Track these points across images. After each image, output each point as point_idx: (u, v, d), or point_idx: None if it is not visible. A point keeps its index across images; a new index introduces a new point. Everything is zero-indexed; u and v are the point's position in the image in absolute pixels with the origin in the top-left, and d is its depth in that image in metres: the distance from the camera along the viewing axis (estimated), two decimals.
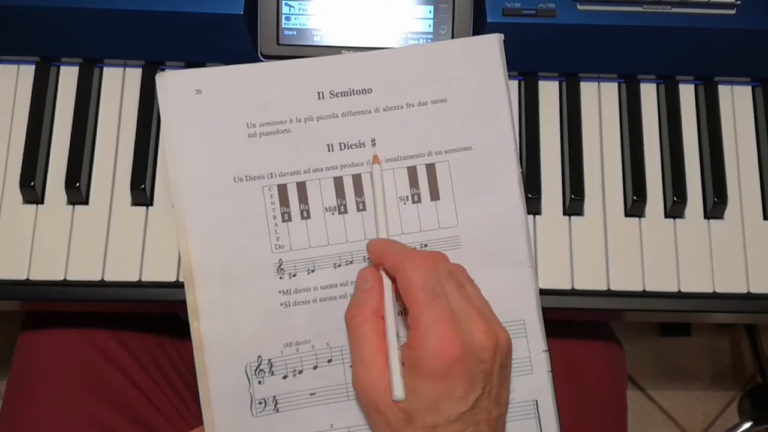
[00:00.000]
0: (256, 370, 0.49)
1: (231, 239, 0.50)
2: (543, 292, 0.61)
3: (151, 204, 0.62)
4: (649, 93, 0.66)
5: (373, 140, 0.51)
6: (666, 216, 0.63)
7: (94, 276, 0.60)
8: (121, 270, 0.60)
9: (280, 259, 0.50)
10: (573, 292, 0.61)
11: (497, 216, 0.51)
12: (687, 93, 0.66)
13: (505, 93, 0.51)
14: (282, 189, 0.50)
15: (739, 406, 1.31)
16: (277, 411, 0.49)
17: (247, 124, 0.50)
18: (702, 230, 0.63)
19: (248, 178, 0.50)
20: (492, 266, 0.50)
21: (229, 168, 0.50)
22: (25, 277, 0.60)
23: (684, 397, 1.33)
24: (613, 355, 0.74)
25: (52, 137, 0.63)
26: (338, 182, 0.51)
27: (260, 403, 0.49)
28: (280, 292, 0.50)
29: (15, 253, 0.60)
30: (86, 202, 0.62)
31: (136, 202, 0.62)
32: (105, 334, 0.69)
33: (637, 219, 0.63)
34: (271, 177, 0.50)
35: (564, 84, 0.66)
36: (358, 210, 0.51)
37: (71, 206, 0.62)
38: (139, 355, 0.70)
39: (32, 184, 0.61)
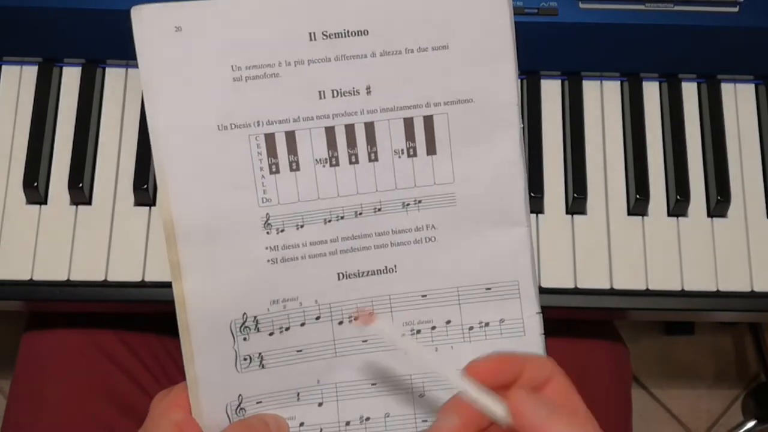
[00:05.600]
0: (241, 327, 0.48)
1: (215, 192, 0.47)
2: (546, 291, 0.62)
3: (154, 204, 0.62)
4: (651, 91, 0.66)
5: (368, 88, 0.48)
6: (669, 215, 0.63)
7: (98, 276, 0.60)
8: (125, 270, 0.60)
9: (267, 214, 0.48)
10: (576, 291, 0.61)
11: (495, 173, 0.48)
12: (690, 91, 0.66)
13: (510, 42, 0.48)
14: (270, 138, 0.47)
15: (743, 404, 1.31)
16: (263, 367, 0.48)
17: (232, 66, 0.47)
18: (705, 229, 0.63)
19: (233, 126, 0.47)
20: (487, 225, 0.49)
21: (213, 115, 0.47)
22: (28, 278, 0.60)
23: (688, 396, 1.33)
24: (618, 354, 0.74)
25: (55, 138, 0.63)
26: (330, 132, 0.48)
27: (245, 359, 0.48)
28: (267, 248, 0.48)
29: (18, 254, 0.60)
30: (89, 203, 0.62)
31: (139, 202, 0.62)
32: (108, 334, 0.69)
33: (640, 218, 0.63)
34: (258, 125, 0.47)
35: (566, 83, 0.65)
36: (351, 163, 0.48)
37: (74, 207, 0.62)
38: (142, 355, 0.70)
39: (35, 184, 0.61)
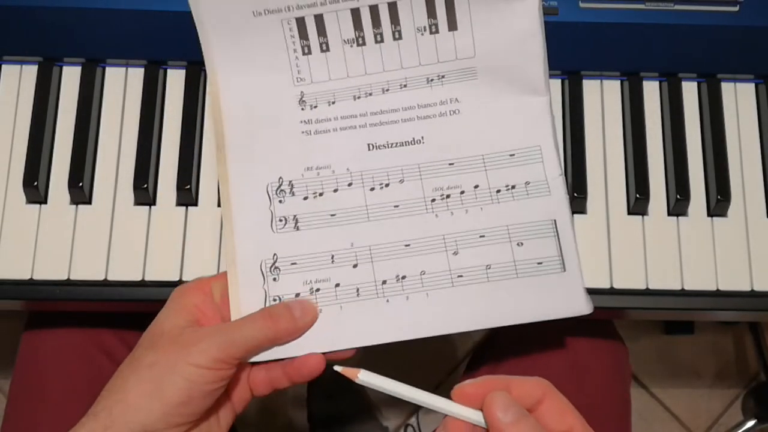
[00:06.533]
0: (277, 190, 0.51)
1: (254, 73, 0.52)
2: None
3: (154, 203, 0.62)
4: (651, 91, 0.66)
5: None
6: (669, 214, 0.63)
7: (98, 275, 0.60)
8: (125, 269, 0.60)
9: (302, 92, 0.52)
10: None
11: (515, 44, 0.51)
12: (690, 90, 0.66)
13: None
14: (300, 22, 0.51)
15: (742, 404, 1.31)
16: (298, 229, 0.51)
17: None
18: (705, 228, 0.63)
19: (267, 11, 0.51)
20: (508, 95, 0.52)
21: (248, 2, 0.51)
22: (28, 277, 0.60)
23: (687, 395, 1.33)
24: (617, 353, 0.74)
25: (54, 137, 0.63)
26: (355, 14, 0.51)
27: (281, 220, 0.51)
28: (301, 121, 0.52)
29: (18, 253, 0.60)
30: (89, 202, 0.62)
31: (138, 202, 0.62)
32: (109, 333, 0.69)
33: (640, 217, 0.63)
34: (289, 10, 0.51)
35: (566, 82, 0.65)
36: (377, 42, 0.52)
37: (74, 206, 0.62)
38: None
39: (35, 183, 0.61)
